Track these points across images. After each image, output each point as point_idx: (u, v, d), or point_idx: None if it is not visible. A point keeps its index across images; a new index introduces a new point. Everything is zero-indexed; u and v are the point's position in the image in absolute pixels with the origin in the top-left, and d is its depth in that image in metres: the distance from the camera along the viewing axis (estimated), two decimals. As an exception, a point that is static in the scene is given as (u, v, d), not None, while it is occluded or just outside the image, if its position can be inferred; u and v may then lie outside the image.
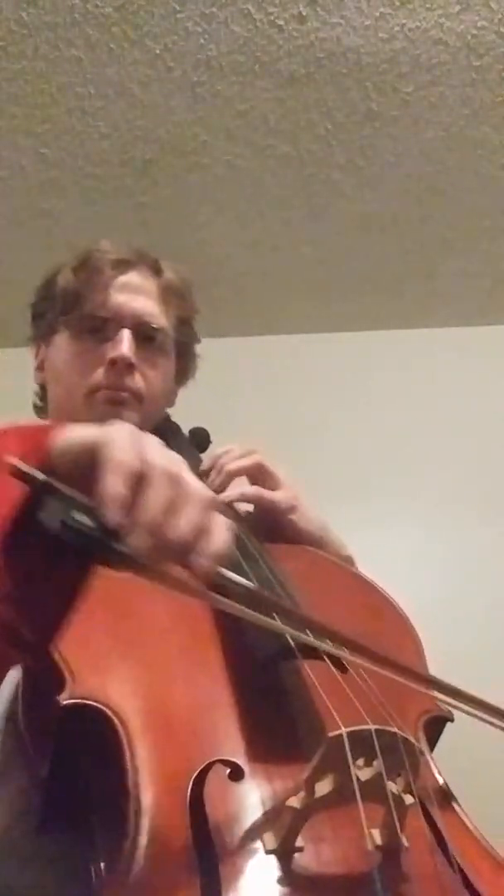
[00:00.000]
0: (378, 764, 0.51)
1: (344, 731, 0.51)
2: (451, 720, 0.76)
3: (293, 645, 0.65)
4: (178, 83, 1.91)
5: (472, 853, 0.59)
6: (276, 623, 0.58)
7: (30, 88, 1.90)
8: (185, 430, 1.23)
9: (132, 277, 1.11)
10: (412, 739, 0.53)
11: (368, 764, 0.51)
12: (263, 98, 1.95)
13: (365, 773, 0.51)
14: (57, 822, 0.67)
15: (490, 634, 2.22)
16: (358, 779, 0.51)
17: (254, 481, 1.04)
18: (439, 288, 2.51)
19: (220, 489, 1.00)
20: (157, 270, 1.14)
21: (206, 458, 1.08)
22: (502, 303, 2.58)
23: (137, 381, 1.07)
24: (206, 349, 2.56)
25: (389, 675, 0.61)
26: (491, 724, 0.62)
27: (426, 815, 0.61)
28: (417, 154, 2.10)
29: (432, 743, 0.76)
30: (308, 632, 0.64)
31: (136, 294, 1.10)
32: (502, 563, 2.32)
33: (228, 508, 0.97)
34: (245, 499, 1.01)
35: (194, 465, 1.05)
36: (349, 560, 1.08)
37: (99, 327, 1.07)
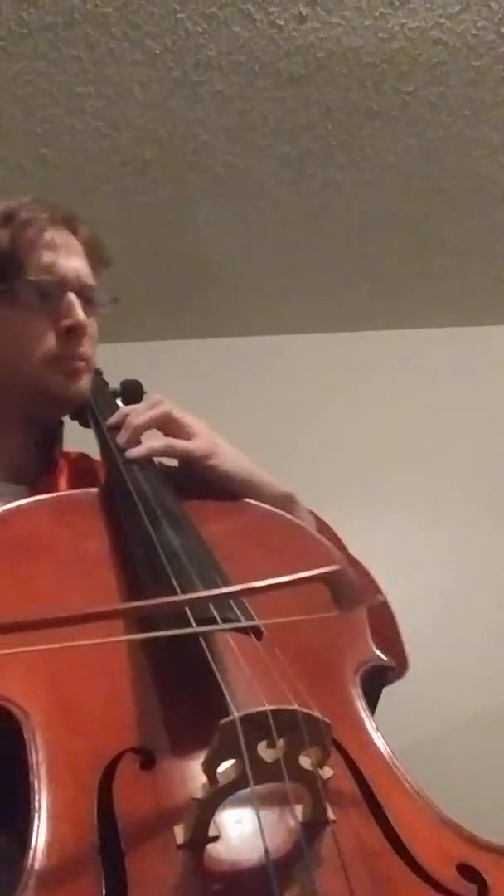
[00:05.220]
0: (281, 744, 0.50)
1: (236, 715, 0.49)
2: (393, 668, 0.73)
3: (193, 622, 0.62)
4: (178, 83, 1.91)
5: (408, 813, 0.57)
6: (171, 600, 0.59)
7: (30, 88, 1.90)
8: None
9: (64, 235, 1.03)
10: (315, 714, 0.51)
11: (272, 745, 0.50)
12: (263, 98, 1.95)
13: (269, 755, 0.49)
14: None
15: (490, 633, 2.21)
16: (261, 761, 0.49)
17: (165, 433, 0.97)
18: (439, 288, 2.51)
19: (130, 445, 0.94)
20: (76, 226, 1.06)
21: (116, 414, 1.01)
22: (502, 303, 2.58)
23: (88, 347, 1.02)
24: (206, 349, 2.58)
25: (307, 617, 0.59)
26: None
27: (360, 781, 0.58)
28: (417, 154, 2.10)
29: (376, 695, 0.72)
30: (211, 606, 0.63)
31: (72, 254, 1.03)
32: (502, 561, 2.32)
33: (150, 465, 0.93)
34: (155, 453, 0.94)
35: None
36: (288, 498, 0.99)
37: (45, 293, 0.99)
